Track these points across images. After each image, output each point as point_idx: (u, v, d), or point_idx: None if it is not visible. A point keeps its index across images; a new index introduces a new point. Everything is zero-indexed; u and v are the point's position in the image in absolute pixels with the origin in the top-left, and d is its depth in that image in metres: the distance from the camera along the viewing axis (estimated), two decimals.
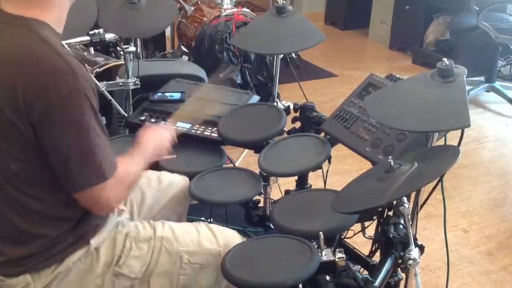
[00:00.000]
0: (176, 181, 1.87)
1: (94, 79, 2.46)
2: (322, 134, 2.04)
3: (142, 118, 2.26)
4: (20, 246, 1.37)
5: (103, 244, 1.48)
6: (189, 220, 2.45)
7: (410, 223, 1.49)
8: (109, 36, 2.90)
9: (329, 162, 1.96)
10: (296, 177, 2.11)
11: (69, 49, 1.40)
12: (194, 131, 2.18)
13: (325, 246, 1.46)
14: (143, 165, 1.55)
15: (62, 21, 1.39)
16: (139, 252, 1.50)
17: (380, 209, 1.67)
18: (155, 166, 1.82)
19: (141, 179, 1.77)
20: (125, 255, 1.49)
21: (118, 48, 3.11)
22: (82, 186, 1.33)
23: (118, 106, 2.55)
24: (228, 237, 1.60)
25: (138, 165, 1.53)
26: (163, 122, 2.22)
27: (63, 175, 1.32)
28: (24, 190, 1.33)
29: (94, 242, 1.45)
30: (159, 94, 2.36)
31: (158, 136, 1.69)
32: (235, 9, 3.71)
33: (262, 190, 1.97)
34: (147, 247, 1.52)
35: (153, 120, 2.23)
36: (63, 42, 2.31)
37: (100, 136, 1.33)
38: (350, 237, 1.92)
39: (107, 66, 2.75)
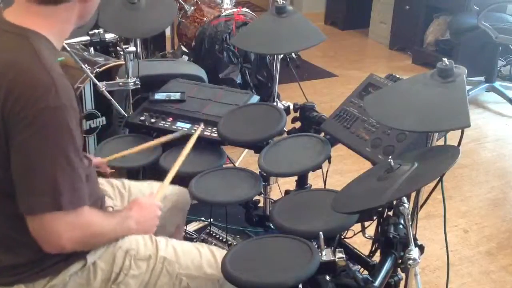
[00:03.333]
0: (175, 193, 1.86)
1: (98, 79, 2.46)
2: (322, 134, 2.04)
3: (142, 118, 2.26)
4: (12, 254, 1.34)
5: (101, 259, 1.45)
6: (189, 220, 2.47)
7: (410, 223, 1.49)
8: (109, 36, 2.89)
9: (329, 162, 1.96)
10: (296, 177, 2.11)
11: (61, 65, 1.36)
12: (194, 131, 2.18)
13: (325, 246, 1.46)
14: (118, 230, 1.45)
15: (63, 37, 1.37)
16: (138, 271, 1.47)
17: (380, 209, 1.67)
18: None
19: (143, 190, 1.76)
20: (124, 274, 1.46)
21: (118, 48, 3.11)
22: (34, 208, 1.24)
23: (118, 106, 2.55)
24: None
25: (112, 224, 1.42)
26: (163, 123, 2.23)
27: (18, 191, 1.25)
28: (12, 197, 1.28)
29: (90, 257, 1.42)
30: (159, 94, 2.36)
31: (146, 213, 1.55)
32: (235, 9, 3.72)
33: (262, 190, 1.97)
34: (146, 266, 1.48)
35: (153, 120, 2.23)
36: (63, 42, 2.33)
37: (70, 162, 1.25)
38: (350, 237, 1.92)
39: (107, 66, 2.75)
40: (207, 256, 1.56)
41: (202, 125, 2.14)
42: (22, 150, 1.23)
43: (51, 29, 1.32)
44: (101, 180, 1.75)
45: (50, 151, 1.23)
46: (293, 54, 4.26)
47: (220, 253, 1.58)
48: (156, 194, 1.66)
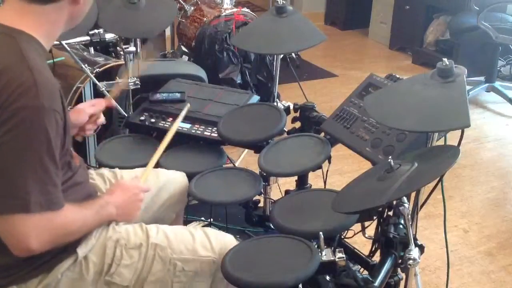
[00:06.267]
0: (173, 178, 1.85)
1: (98, 80, 2.46)
2: (322, 134, 2.04)
3: (142, 118, 2.26)
4: (2, 255, 1.31)
5: (92, 252, 1.44)
6: (189, 220, 2.47)
7: (410, 223, 1.49)
8: (109, 36, 2.90)
9: (329, 162, 1.96)
10: (296, 177, 2.11)
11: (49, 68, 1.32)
12: (194, 131, 2.18)
13: (325, 246, 1.46)
14: (96, 219, 1.43)
15: (52, 38, 1.37)
16: (130, 260, 1.47)
17: (380, 209, 1.67)
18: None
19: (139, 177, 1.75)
20: (116, 264, 1.45)
21: (118, 48, 3.11)
22: (3, 209, 1.22)
23: (118, 106, 2.55)
24: (224, 242, 1.56)
25: (87, 216, 1.40)
26: (163, 123, 2.23)
27: None
28: None
29: (81, 251, 1.41)
30: (159, 94, 2.36)
31: (129, 196, 1.54)
32: (235, 9, 3.71)
33: (262, 190, 1.97)
34: (137, 254, 1.48)
35: (153, 120, 2.23)
36: (63, 42, 2.34)
37: (43, 165, 1.23)
38: (350, 237, 1.92)
39: (107, 66, 2.74)
40: (200, 239, 1.55)
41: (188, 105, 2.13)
42: None
43: (40, 29, 1.31)
44: (92, 174, 1.73)
45: (23, 152, 1.21)
46: (293, 54, 4.27)
47: (214, 233, 1.59)
48: (140, 176, 1.65)
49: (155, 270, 1.49)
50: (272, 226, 2.00)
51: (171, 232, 1.55)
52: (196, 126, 2.20)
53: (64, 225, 1.32)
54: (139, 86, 2.45)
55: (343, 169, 3.09)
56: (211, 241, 1.55)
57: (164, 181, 1.82)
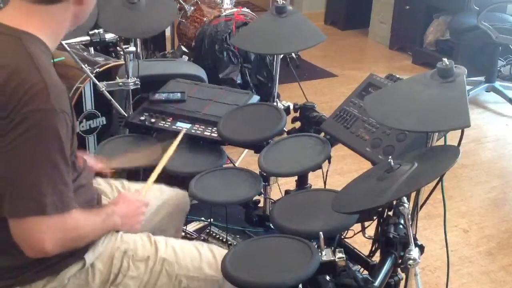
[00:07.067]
0: (175, 195, 1.86)
1: (98, 80, 2.46)
2: (322, 134, 2.04)
3: (142, 118, 2.26)
4: (8, 256, 1.32)
5: (99, 260, 1.44)
6: (189, 220, 2.47)
7: (410, 223, 1.49)
8: (109, 36, 2.90)
9: (329, 162, 1.96)
10: (296, 177, 2.11)
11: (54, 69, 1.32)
12: (194, 131, 2.18)
13: (325, 246, 1.46)
14: (103, 227, 1.44)
15: (57, 38, 1.37)
16: (136, 272, 1.47)
17: (380, 209, 1.67)
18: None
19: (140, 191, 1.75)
20: (122, 275, 1.46)
21: (118, 48, 3.11)
22: (18, 212, 1.23)
23: (118, 106, 2.55)
24: None
25: (96, 223, 1.41)
26: (163, 123, 2.23)
27: (3, 193, 1.23)
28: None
29: (88, 257, 1.42)
30: (159, 94, 2.36)
31: (132, 209, 1.55)
32: (235, 9, 3.71)
33: (262, 190, 1.97)
34: (144, 267, 1.48)
35: (153, 120, 2.23)
36: (63, 42, 2.34)
37: (56, 167, 1.24)
38: (350, 237, 1.92)
39: (107, 66, 2.74)
40: (207, 257, 1.55)
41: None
42: (9, 152, 1.21)
43: (45, 30, 1.31)
44: (100, 181, 1.74)
45: (36, 155, 1.22)
46: (293, 54, 4.26)
47: (220, 253, 1.58)
48: (141, 190, 1.66)
49: (160, 284, 1.49)
50: (272, 226, 2.00)
51: (178, 248, 1.55)
52: (196, 126, 2.20)
53: (75, 228, 1.33)
54: (139, 86, 2.45)
55: (343, 169, 3.09)
56: (217, 260, 1.54)
57: (166, 197, 1.82)
